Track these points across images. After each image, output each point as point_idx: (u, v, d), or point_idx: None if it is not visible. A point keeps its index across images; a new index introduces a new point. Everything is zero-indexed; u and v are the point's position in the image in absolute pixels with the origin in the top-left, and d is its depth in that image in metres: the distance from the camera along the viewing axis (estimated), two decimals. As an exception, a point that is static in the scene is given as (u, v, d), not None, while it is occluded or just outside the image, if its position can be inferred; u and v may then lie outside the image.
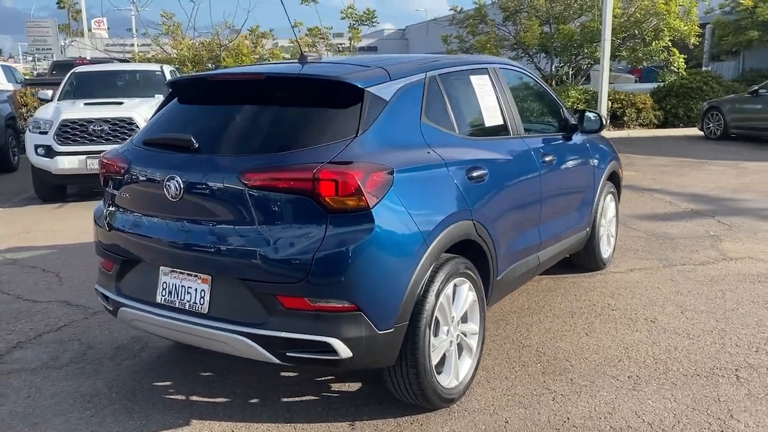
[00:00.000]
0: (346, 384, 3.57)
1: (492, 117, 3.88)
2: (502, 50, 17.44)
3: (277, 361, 2.83)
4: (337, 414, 3.26)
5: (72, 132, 8.50)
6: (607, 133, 16.93)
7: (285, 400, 3.43)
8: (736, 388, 3.41)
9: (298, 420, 3.21)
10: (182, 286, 3.05)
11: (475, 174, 3.37)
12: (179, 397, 3.48)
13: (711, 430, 3.03)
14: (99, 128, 8.50)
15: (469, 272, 3.26)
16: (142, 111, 8.65)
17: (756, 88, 14.63)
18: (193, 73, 3.50)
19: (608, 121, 17.62)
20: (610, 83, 19.66)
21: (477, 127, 3.81)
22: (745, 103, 14.72)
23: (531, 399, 3.35)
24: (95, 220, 3.53)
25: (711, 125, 15.55)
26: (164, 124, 3.38)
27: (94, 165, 8.07)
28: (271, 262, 2.77)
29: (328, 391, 3.52)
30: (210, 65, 16.03)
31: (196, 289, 3.00)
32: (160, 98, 8.18)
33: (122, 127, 8.53)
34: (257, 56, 15.59)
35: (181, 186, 2.97)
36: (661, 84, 18.47)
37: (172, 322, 3.06)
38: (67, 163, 8.44)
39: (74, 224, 7.51)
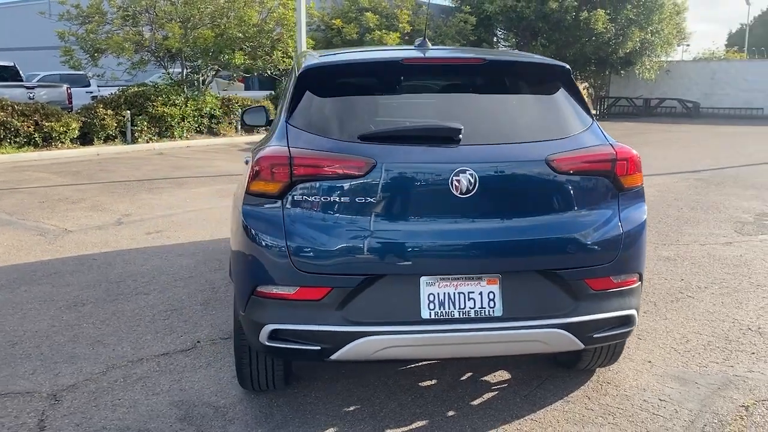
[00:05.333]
0: (494, 375, 3.57)
1: None
2: (141, 54, 16.21)
3: (582, 346, 2.82)
4: (537, 398, 3.31)
5: None
6: (240, 139, 17.63)
7: (474, 403, 3.27)
8: None
9: (519, 414, 3.15)
10: (459, 293, 2.69)
11: None
12: (382, 435, 2.97)
13: None
14: None
15: None
16: None
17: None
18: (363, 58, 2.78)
19: (241, 126, 18.31)
20: (224, 90, 20.37)
21: None
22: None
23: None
24: (262, 239, 2.69)
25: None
26: (366, 114, 2.80)
27: None
28: (584, 248, 2.75)
29: (495, 387, 3.47)
30: None
31: (481, 293, 2.70)
32: None
33: None
34: None
35: (476, 179, 2.63)
36: (276, 92, 20.00)
37: (449, 336, 2.67)
38: None
39: None
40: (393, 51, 3.38)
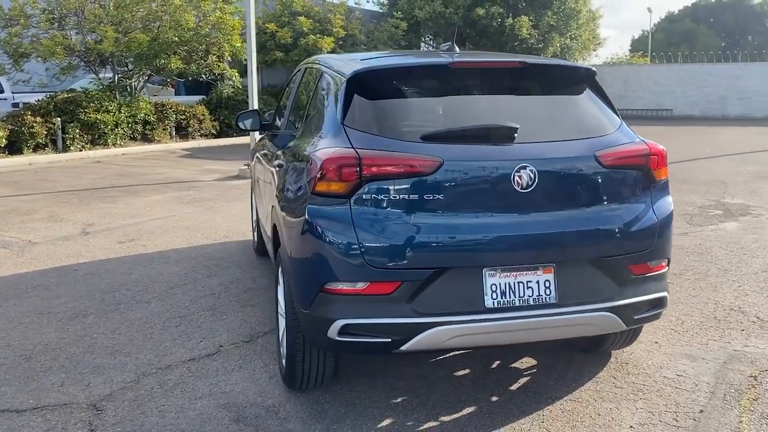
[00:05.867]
0: (521, 361, 3.77)
1: None
2: (70, 58, 15.52)
3: (626, 327, 3.06)
4: (568, 380, 3.53)
5: None
6: (176, 145, 17.22)
7: (512, 388, 3.46)
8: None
9: (556, 395, 3.36)
10: (518, 282, 2.86)
11: None
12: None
13: None
14: None
15: None
16: None
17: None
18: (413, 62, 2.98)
19: (175, 132, 17.89)
20: (154, 95, 19.80)
21: None
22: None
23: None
24: (331, 237, 2.77)
25: (277, 132, 17.65)
26: (421, 115, 2.94)
27: None
28: (627, 236, 2.99)
29: (526, 372, 3.67)
30: None
31: (537, 282, 2.88)
32: None
33: None
34: None
35: (535, 174, 2.81)
36: (209, 97, 19.64)
37: (511, 323, 2.84)
38: None
39: None
40: (430, 55, 3.52)
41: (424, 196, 2.78)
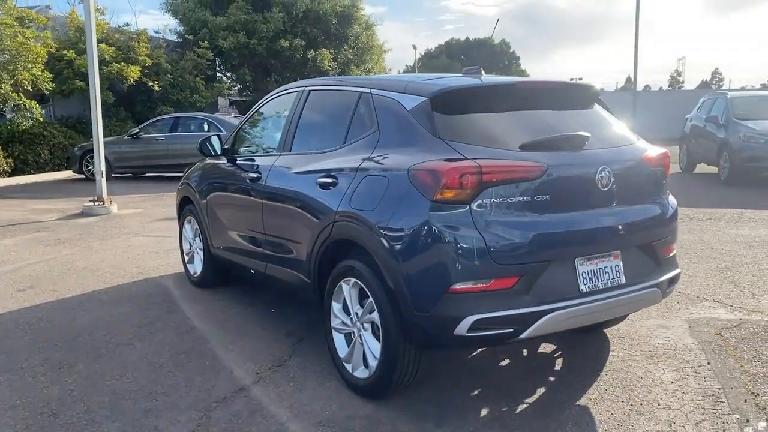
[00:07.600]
0: (543, 347, 4.24)
1: None
2: None
3: (662, 300, 3.68)
4: (593, 356, 4.07)
5: None
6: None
7: (558, 368, 3.90)
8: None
9: (596, 367, 3.88)
10: (599, 268, 3.34)
11: None
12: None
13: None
14: None
15: None
16: None
17: (136, 131, 16.28)
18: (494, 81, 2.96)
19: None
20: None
21: None
22: (125, 145, 16.14)
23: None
24: (455, 241, 3.00)
25: (91, 167, 16.28)
26: (507, 127, 3.32)
27: None
28: (663, 224, 3.65)
29: (556, 355, 4.14)
30: None
31: (611, 267, 3.38)
32: None
33: None
34: None
35: (611, 175, 3.32)
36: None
37: (598, 304, 3.29)
38: None
39: None
40: (465, 76, 3.84)
41: (534, 198, 3.14)
